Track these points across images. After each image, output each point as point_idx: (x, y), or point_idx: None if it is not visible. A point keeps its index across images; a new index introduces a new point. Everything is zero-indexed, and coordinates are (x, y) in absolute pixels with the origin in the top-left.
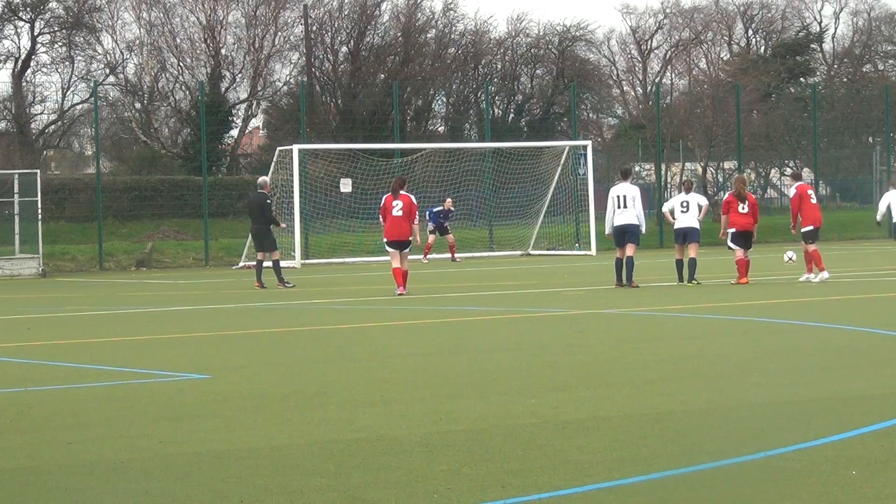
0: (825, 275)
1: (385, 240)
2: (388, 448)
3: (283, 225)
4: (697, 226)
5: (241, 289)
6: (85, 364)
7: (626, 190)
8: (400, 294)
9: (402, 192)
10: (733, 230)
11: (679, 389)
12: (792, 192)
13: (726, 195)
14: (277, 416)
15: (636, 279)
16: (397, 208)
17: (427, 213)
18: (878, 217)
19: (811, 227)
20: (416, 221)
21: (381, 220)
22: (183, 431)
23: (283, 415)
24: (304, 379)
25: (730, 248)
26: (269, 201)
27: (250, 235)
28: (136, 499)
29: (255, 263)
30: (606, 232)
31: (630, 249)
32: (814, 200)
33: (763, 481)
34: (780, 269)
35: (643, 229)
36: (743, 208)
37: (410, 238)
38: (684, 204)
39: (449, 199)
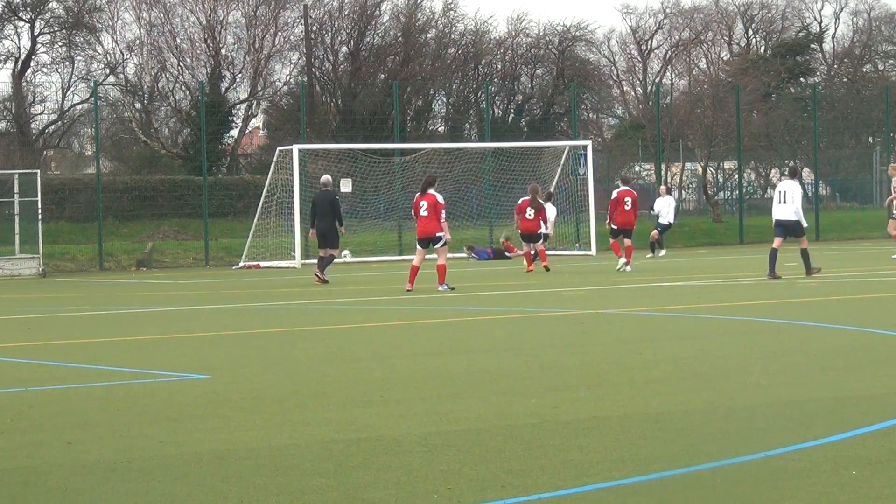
0: (622, 261)
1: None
2: (388, 448)
3: (342, 230)
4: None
5: (241, 289)
6: (85, 364)
7: (788, 186)
8: (408, 290)
9: (430, 191)
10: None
11: (679, 389)
12: (614, 194)
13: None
14: (277, 416)
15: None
16: (424, 208)
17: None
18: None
19: (616, 227)
20: (444, 219)
21: (413, 217)
22: (183, 431)
23: (283, 415)
24: (304, 379)
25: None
26: (338, 198)
27: (317, 233)
28: (136, 499)
29: (318, 259)
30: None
31: (776, 242)
32: (628, 207)
33: (763, 481)
34: (780, 270)
35: (804, 224)
36: (530, 214)
37: (438, 234)
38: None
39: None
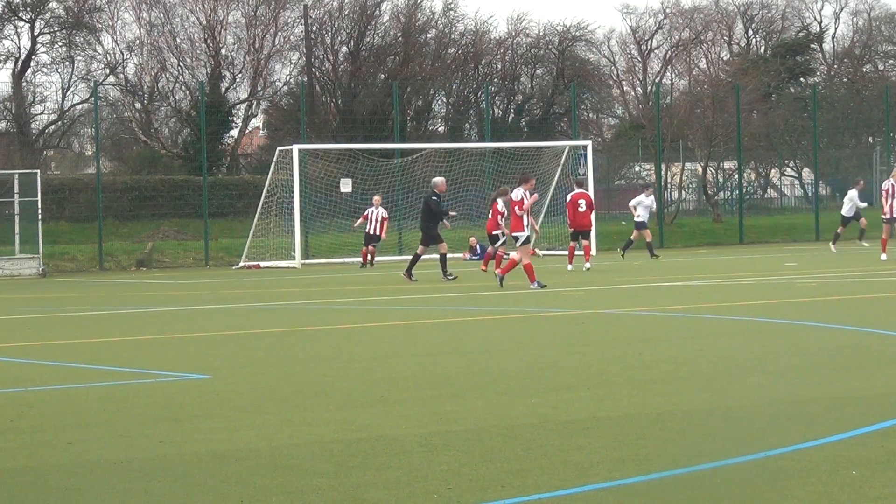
0: (587, 265)
1: None
2: (388, 448)
3: (453, 213)
4: None
5: (241, 289)
6: (85, 364)
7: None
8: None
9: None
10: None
11: (679, 389)
12: (568, 197)
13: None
14: (277, 416)
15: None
16: None
17: None
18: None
19: (573, 230)
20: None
21: None
22: (183, 431)
23: (283, 415)
24: (304, 379)
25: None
26: (435, 198)
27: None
28: (136, 499)
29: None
30: None
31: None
32: (582, 209)
33: (763, 481)
34: (779, 270)
35: None
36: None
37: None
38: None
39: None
